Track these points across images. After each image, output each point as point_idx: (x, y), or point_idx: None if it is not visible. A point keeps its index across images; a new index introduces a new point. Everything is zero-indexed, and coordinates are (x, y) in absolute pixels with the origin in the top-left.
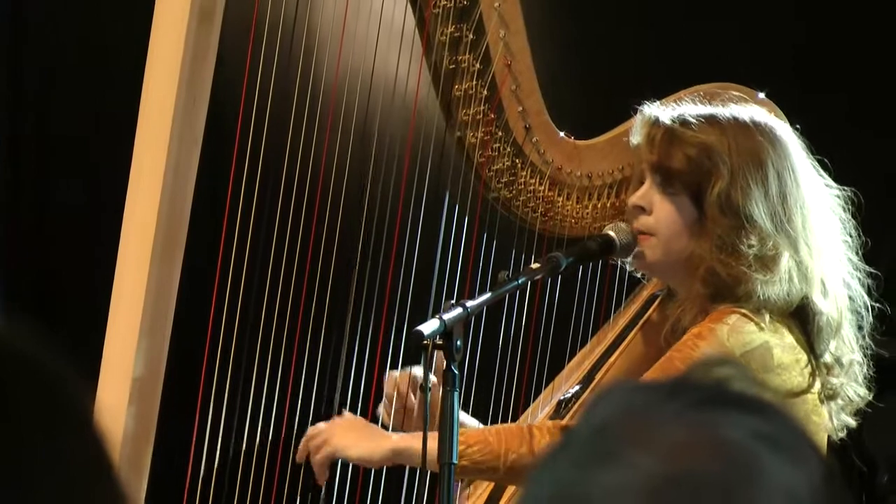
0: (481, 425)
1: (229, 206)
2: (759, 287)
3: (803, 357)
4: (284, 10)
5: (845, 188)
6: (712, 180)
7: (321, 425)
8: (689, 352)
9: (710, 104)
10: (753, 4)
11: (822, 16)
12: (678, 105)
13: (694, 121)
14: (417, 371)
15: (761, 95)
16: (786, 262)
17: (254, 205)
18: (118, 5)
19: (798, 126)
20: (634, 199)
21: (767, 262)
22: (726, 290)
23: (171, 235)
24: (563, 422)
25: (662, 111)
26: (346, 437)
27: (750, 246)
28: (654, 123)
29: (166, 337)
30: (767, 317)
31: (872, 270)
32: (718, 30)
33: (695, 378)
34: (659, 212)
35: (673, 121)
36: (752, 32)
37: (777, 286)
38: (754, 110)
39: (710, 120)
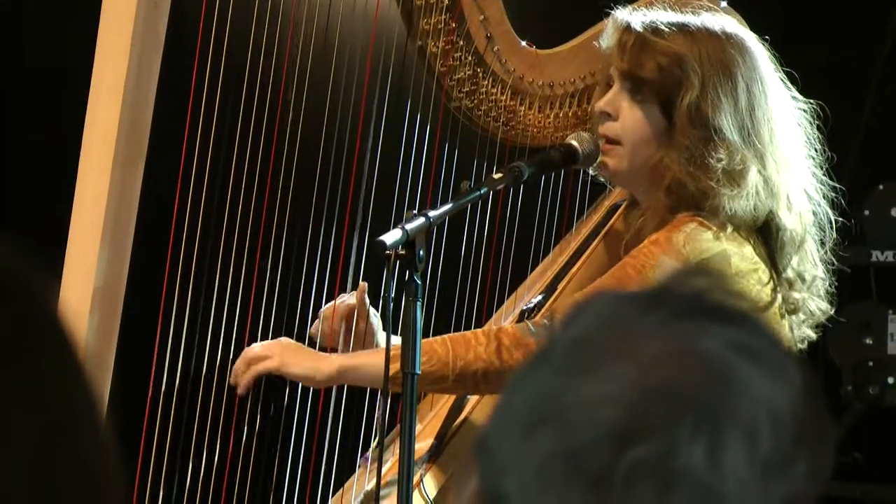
0: None
1: (190, 114)
2: (725, 202)
3: (762, 268)
4: None
5: (811, 101)
6: (682, 90)
7: (256, 345)
8: (643, 259)
9: (681, 11)
10: None
11: None
12: (649, 11)
13: (666, 29)
14: (350, 299)
15: (724, 4)
16: (753, 176)
17: (215, 114)
18: None
19: (767, 38)
20: (601, 104)
21: (735, 177)
22: (692, 201)
23: (132, 142)
24: (511, 324)
25: (634, 16)
26: (287, 354)
27: (719, 160)
28: (626, 29)
29: (128, 246)
30: (730, 229)
31: (836, 185)
32: None
33: (674, 289)
34: (626, 118)
35: (645, 28)
36: None
37: (744, 201)
38: (725, 20)
39: (682, 29)
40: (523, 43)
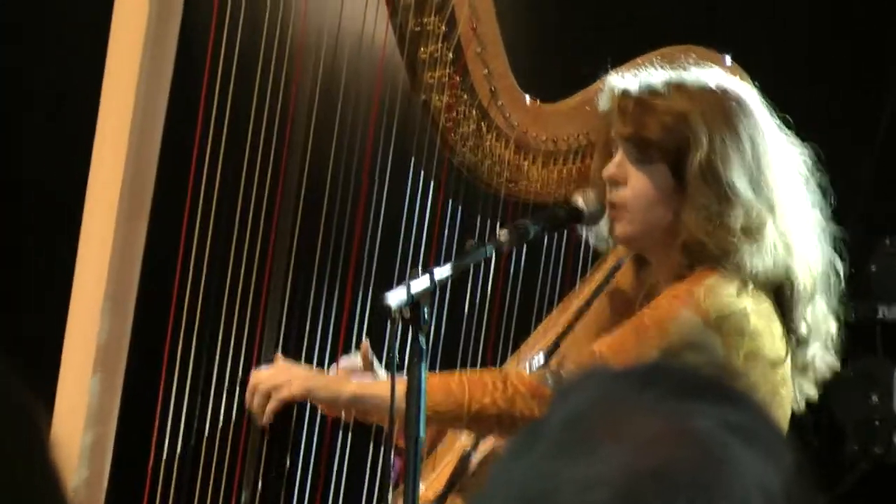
0: None
1: (194, 170)
2: (747, 259)
3: (778, 326)
4: None
5: (807, 144)
6: (691, 148)
7: (264, 370)
8: (663, 312)
9: (671, 68)
10: None
11: None
12: (641, 72)
13: (664, 89)
14: (354, 358)
15: (728, 59)
16: (771, 230)
17: (219, 167)
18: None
19: (757, 83)
20: (608, 172)
21: (754, 231)
22: (711, 259)
23: (136, 198)
24: (529, 374)
25: (629, 81)
26: (308, 380)
27: (736, 216)
28: (624, 95)
29: (131, 303)
30: (751, 286)
31: (840, 229)
32: None
33: (667, 366)
34: (634, 184)
35: (642, 90)
36: None
37: (764, 257)
38: (718, 74)
39: (680, 87)
40: (527, 97)
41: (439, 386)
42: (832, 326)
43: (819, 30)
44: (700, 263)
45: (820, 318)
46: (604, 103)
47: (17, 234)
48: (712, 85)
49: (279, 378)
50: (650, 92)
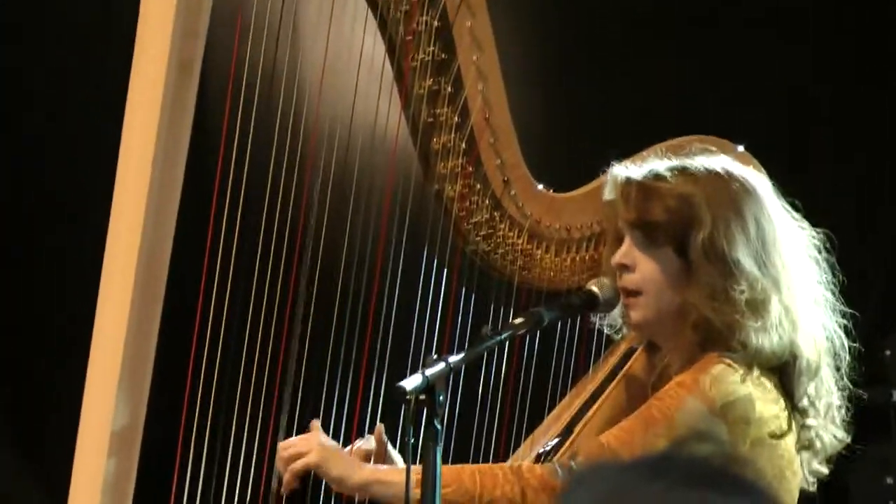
0: None
1: (208, 256)
2: (752, 336)
3: (783, 407)
4: (264, 57)
5: (818, 230)
6: (695, 228)
7: (295, 438)
8: (669, 401)
9: (676, 157)
10: (729, 54)
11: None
12: (645, 161)
13: (667, 173)
14: (369, 442)
15: (741, 148)
16: (776, 305)
17: (233, 254)
18: (97, 53)
19: (773, 174)
20: (617, 258)
21: (758, 307)
22: (719, 338)
23: (150, 281)
24: (540, 465)
25: (632, 169)
26: (327, 452)
27: (741, 292)
28: (627, 182)
29: (146, 389)
30: (756, 372)
31: (849, 311)
32: (691, 81)
33: (677, 456)
34: (643, 269)
35: (645, 176)
36: (732, 87)
37: (769, 334)
38: (722, 159)
39: (683, 171)
40: (540, 186)
41: (451, 477)
42: (837, 402)
43: (838, 118)
44: (710, 343)
45: (825, 394)
46: (608, 192)
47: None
48: (717, 168)
49: (300, 446)
50: (653, 177)
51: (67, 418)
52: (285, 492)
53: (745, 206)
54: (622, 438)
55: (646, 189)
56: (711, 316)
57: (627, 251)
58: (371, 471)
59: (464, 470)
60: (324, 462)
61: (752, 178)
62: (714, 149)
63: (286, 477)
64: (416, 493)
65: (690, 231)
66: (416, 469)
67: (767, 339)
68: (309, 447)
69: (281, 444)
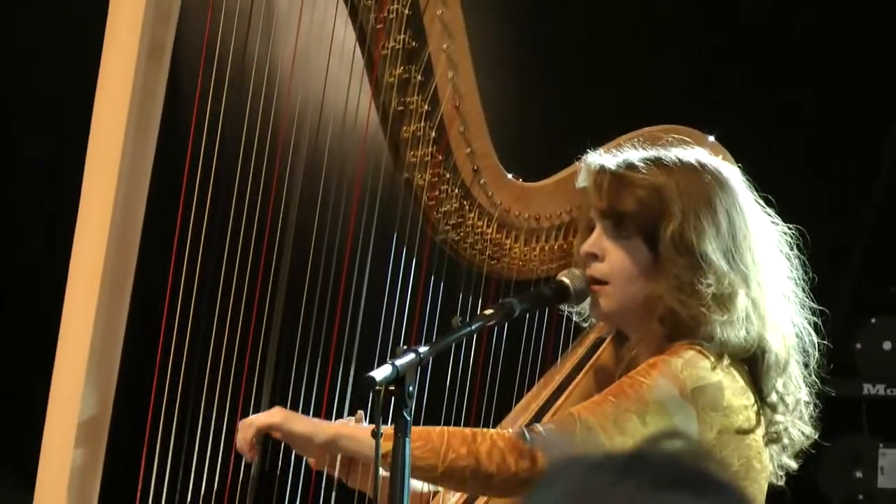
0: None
1: (177, 243)
2: (717, 329)
3: (751, 401)
4: (235, 42)
5: (790, 226)
6: (665, 220)
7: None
8: (641, 379)
9: (652, 147)
10: (694, 46)
11: (773, 60)
12: (620, 150)
13: (641, 164)
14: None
15: (711, 139)
16: (742, 300)
17: (202, 238)
18: (66, 35)
19: (740, 165)
20: (586, 246)
21: (725, 301)
22: (686, 330)
23: (118, 272)
24: (507, 432)
25: (606, 158)
26: (289, 413)
27: (708, 285)
28: (601, 171)
29: (114, 377)
30: (726, 361)
31: (820, 308)
32: (667, 70)
33: (647, 455)
34: (612, 258)
35: (619, 166)
36: (704, 75)
37: (735, 328)
38: (697, 152)
39: (657, 162)
40: (509, 175)
41: (419, 434)
42: (805, 397)
43: (813, 114)
44: (677, 334)
45: (793, 390)
46: (582, 180)
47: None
48: (691, 161)
49: (260, 414)
50: (627, 167)
51: (35, 409)
52: (249, 457)
53: (716, 199)
54: (592, 409)
55: (619, 179)
56: (678, 308)
57: (596, 240)
58: (337, 426)
59: (433, 429)
60: (286, 421)
61: (725, 172)
62: (690, 140)
63: (248, 433)
64: (386, 445)
65: (660, 223)
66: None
67: (734, 333)
68: (270, 412)
69: (242, 422)
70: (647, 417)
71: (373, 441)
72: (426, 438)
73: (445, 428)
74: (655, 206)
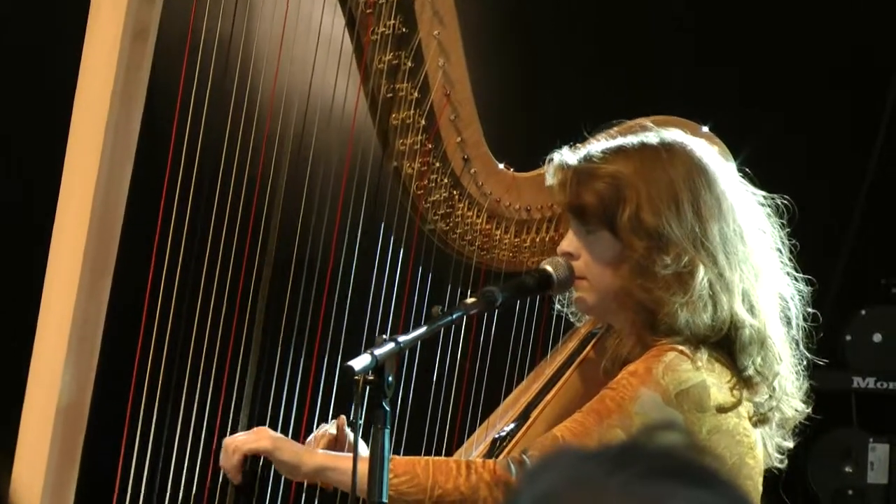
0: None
1: (160, 228)
2: (679, 312)
3: (733, 385)
4: (220, 26)
5: (773, 196)
6: (622, 206)
7: (240, 434)
8: (622, 391)
9: (621, 137)
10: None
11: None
12: (588, 144)
13: (599, 154)
14: (331, 429)
15: (705, 129)
16: (701, 277)
17: (185, 226)
18: (50, 20)
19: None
20: (562, 246)
21: (684, 279)
22: (651, 315)
23: (101, 256)
24: (493, 460)
25: (568, 154)
26: (278, 440)
27: (665, 265)
28: (563, 167)
29: (93, 362)
30: (705, 355)
31: (808, 277)
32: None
33: (641, 446)
34: (584, 253)
35: (579, 160)
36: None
37: (699, 308)
38: (668, 132)
39: (616, 151)
40: (501, 165)
41: (404, 468)
42: (785, 369)
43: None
44: (655, 323)
45: (775, 365)
46: (549, 178)
47: None
48: (652, 142)
49: (249, 437)
50: (586, 160)
51: (12, 395)
52: (236, 480)
53: (678, 177)
54: (576, 431)
55: (578, 173)
56: (639, 294)
57: (570, 238)
58: (324, 457)
59: (418, 462)
60: (276, 449)
61: (698, 151)
62: (671, 127)
63: (234, 458)
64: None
65: (618, 210)
66: (366, 459)
67: (697, 315)
68: (259, 436)
69: (226, 440)
70: (632, 431)
71: (349, 479)
72: (412, 473)
73: (430, 460)
74: (613, 195)
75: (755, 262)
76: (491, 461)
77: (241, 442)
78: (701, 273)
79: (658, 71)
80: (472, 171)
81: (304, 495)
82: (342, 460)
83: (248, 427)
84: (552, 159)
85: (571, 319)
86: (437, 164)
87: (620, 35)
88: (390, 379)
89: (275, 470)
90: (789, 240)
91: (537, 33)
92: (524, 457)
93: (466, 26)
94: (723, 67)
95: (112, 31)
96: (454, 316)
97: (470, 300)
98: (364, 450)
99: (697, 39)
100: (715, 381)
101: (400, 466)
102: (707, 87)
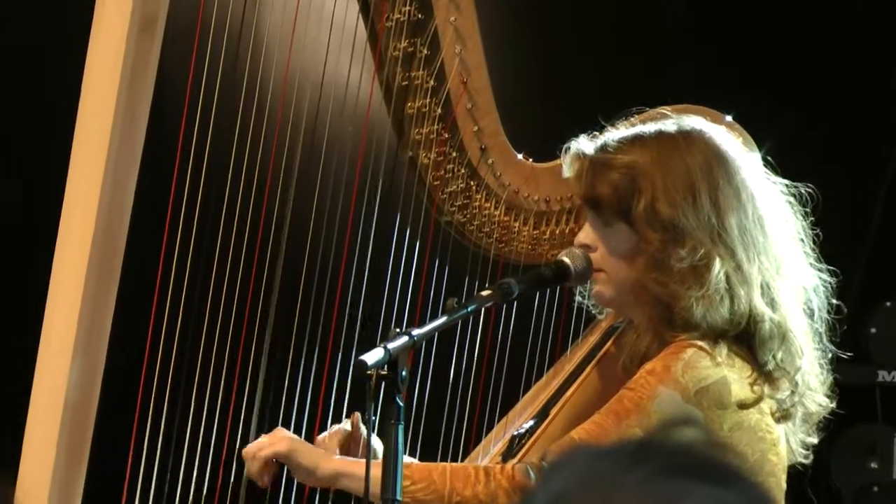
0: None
1: (169, 222)
2: (695, 306)
3: (753, 380)
4: (230, 16)
5: (797, 184)
6: (637, 197)
7: (263, 437)
8: (641, 391)
9: (640, 125)
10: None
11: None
12: (605, 133)
13: (614, 144)
14: (345, 426)
15: (729, 118)
16: (717, 270)
17: (195, 220)
18: (51, 19)
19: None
20: (579, 238)
21: (700, 273)
22: (668, 310)
23: (106, 259)
24: (512, 465)
25: (585, 144)
26: (296, 443)
27: (681, 258)
28: (579, 158)
29: (101, 360)
30: (725, 350)
31: (832, 268)
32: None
33: (658, 443)
34: (601, 245)
35: (596, 150)
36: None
37: (715, 302)
38: (688, 119)
39: (632, 140)
40: (519, 155)
41: (421, 474)
42: (814, 367)
43: (829, 90)
44: (673, 317)
45: (797, 359)
46: (566, 170)
47: None
48: (671, 131)
49: (266, 439)
50: (602, 150)
51: (12, 395)
52: (264, 483)
53: (696, 166)
54: (594, 433)
55: (594, 164)
56: (654, 288)
57: (587, 230)
58: (340, 462)
59: (435, 468)
60: (292, 452)
61: (714, 136)
62: (692, 115)
63: (254, 466)
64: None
65: (633, 201)
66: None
67: (714, 309)
68: (276, 438)
69: (244, 449)
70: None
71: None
72: (428, 480)
73: (447, 466)
74: (628, 186)
75: (776, 254)
76: (509, 467)
77: (258, 447)
78: (717, 266)
79: (673, 64)
80: (490, 161)
81: (317, 496)
82: (358, 466)
83: (260, 425)
84: (569, 148)
85: (593, 311)
86: (454, 154)
87: (636, 27)
88: (404, 373)
89: (288, 473)
90: (812, 230)
91: (552, 25)
92: (542, 462)
93: (481, 18)
94: (740, 62)
95: (119, 23)
96: (470, 308)
97: (486, 292)
98: (379, 452)
99: (712, 34)
100: (736, 377)
101: (417, 473)
102: (724, 80)
